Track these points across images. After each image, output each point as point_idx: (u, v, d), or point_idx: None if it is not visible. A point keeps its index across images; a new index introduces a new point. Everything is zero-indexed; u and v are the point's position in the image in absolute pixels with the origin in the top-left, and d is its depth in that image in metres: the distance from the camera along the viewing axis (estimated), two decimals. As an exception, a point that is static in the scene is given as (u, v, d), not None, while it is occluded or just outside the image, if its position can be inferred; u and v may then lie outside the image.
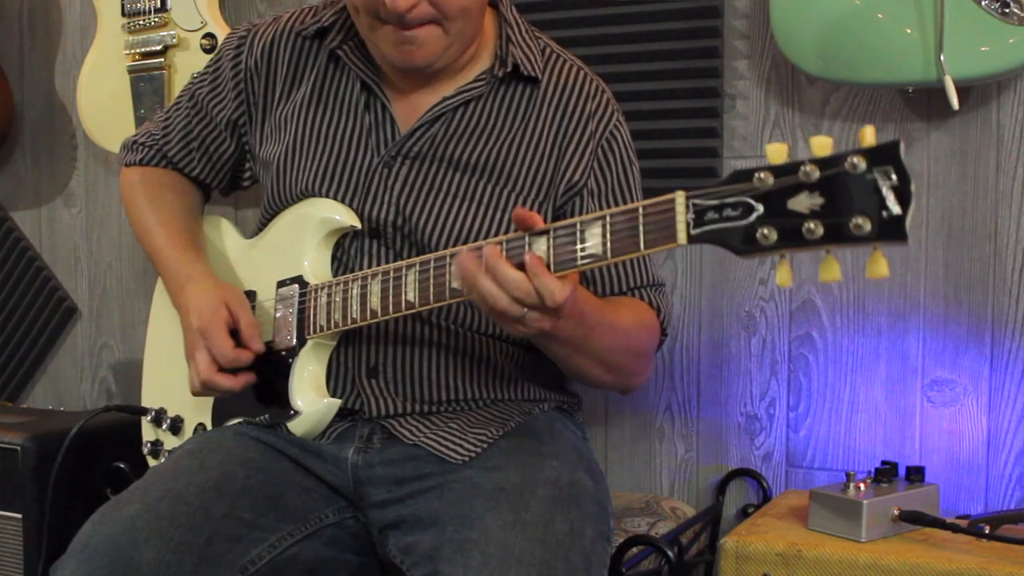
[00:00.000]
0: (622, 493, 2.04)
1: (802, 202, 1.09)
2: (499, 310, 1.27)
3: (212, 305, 1.54)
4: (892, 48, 1.76)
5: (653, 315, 1.58)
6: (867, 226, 1.05)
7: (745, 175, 1.12)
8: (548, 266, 1.26)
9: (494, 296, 1.26)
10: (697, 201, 1.16)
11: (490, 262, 1.27)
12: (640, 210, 1.22)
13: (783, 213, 1.10)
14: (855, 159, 1.05)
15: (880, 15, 1.77)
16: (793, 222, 1.09)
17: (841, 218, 1.06)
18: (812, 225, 1.08)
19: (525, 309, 1.27)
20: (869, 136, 1.06)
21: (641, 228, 1.21)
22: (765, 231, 1.11)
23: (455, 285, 1.35)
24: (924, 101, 1.91)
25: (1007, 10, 1.69)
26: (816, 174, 1.08)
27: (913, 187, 1.04)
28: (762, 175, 1.11)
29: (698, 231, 1.16)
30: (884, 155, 1.05)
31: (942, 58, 1.71)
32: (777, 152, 1.11)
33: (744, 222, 1.12)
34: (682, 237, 1.18)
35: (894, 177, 1.04)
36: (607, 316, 1.45)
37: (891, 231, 1.04)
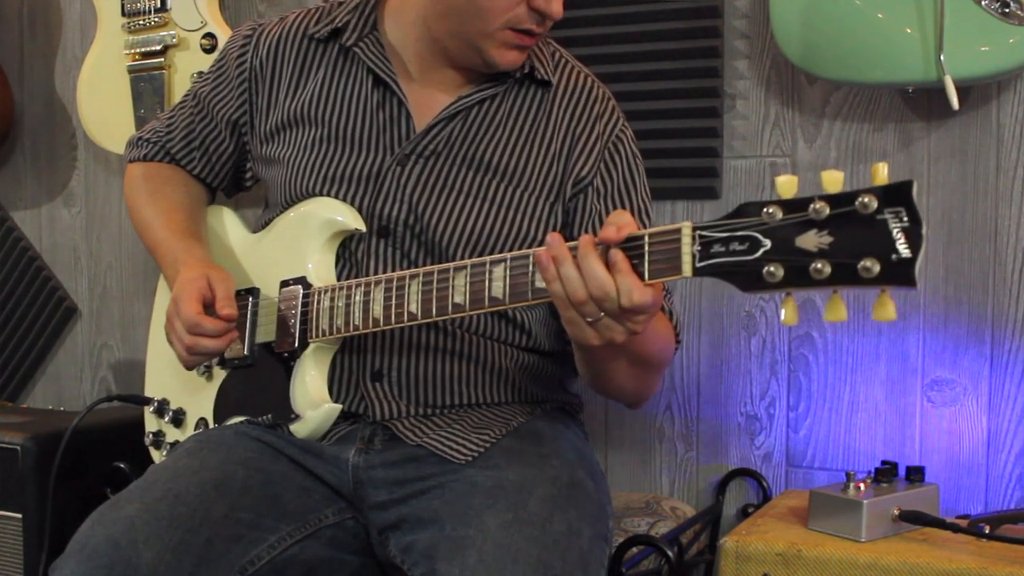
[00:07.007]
0: (622, 493, 2.04)
1: (810, 240, 1.07)
2: (576, 301, 1.22)
3: (192, 276, 1.53)
4: (892, 48, 1.76)
5: (670, 326, 1.57)
6: (875, 269, 1.03)
7: (754, 208, 1.10)
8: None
9: (574, 286, 1.21)
10: (704, 233, 1.14)
11: (582, 251, 1.21)
12: (646, 239, 1.19)
13: (791, 251, 1.08)
14: (866, 198, 1.03)
15: (880, 15, 1.77)
16: (800, 260, 1.07)
17: (849, 259, 1.04)
18: (820, 264, 1.06)
19: (601, 313, 1.21)
20: (881, 173, 1.04)
21: (646, 257, 1.19)
22: (771, 268, 1.09)
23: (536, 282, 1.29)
24: (924, 101, 1.91)
25: (1007, 10, 1.69)
26: (826, 211, 1.06)
27: (925, 230, 1.02)
28: (771, 209, 1.09)
29: (703, 264, 1.14)
30: (896, 196, 1.03)
31: (942, 58, 1.71)
32: (787, 185, 1.09)
33: (750, 257, 1.10)
34: (687, 270, 1.15)
35: (905, 219, 1.02)
36: (653, 329, 1.41)
37: (900, 275, 1.02)
